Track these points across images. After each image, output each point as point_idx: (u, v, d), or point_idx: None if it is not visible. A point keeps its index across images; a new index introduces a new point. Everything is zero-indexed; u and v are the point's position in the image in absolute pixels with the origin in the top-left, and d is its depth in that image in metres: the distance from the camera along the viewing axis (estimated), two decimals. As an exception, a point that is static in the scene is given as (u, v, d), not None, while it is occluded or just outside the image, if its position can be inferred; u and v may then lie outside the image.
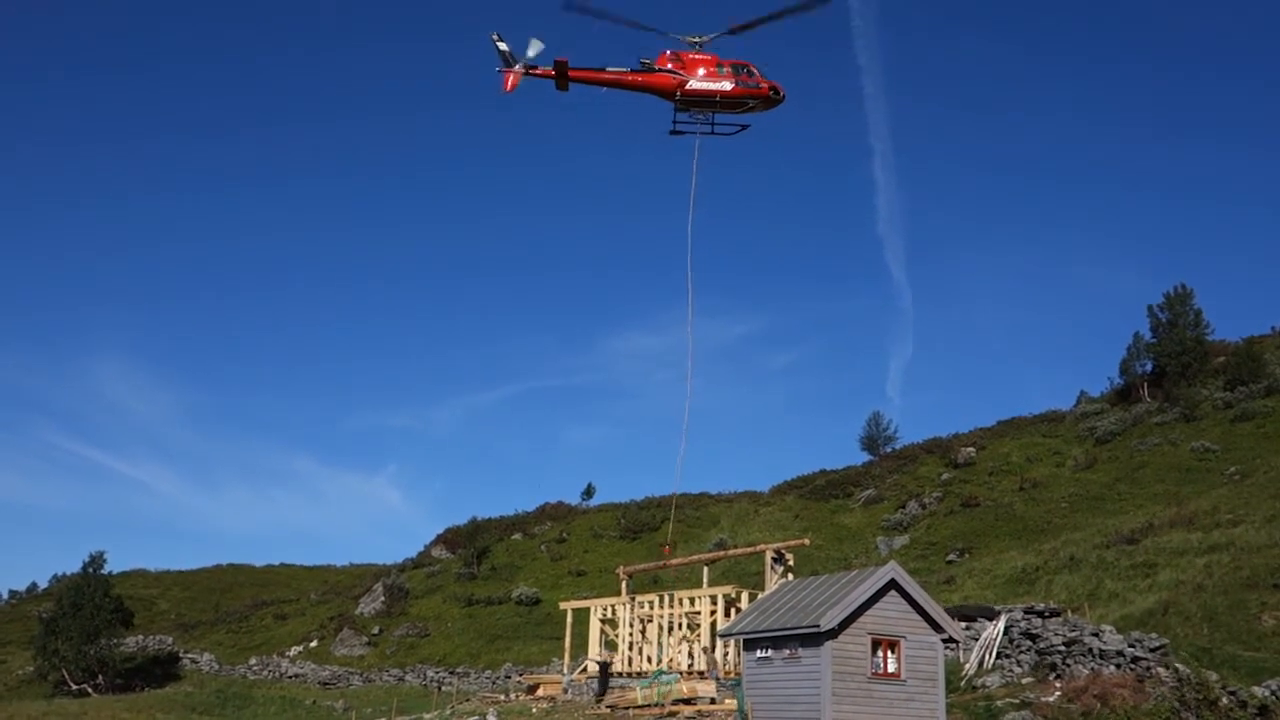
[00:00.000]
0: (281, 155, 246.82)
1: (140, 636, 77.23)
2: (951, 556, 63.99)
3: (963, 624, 32.46)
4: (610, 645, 35.86)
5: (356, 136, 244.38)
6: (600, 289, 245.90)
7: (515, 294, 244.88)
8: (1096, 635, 29.37)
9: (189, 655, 74.56)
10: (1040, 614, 32.46)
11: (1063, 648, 29.69)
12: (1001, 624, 32.16)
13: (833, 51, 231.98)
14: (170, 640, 78.70)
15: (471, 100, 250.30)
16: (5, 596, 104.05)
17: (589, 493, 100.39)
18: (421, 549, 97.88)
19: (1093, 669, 28.21)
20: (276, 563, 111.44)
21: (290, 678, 69.85)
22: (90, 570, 69.62)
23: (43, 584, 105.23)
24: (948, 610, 25.52)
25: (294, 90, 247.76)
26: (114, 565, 77.68)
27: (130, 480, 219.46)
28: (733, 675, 28.67)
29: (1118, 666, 27.93)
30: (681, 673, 31.09)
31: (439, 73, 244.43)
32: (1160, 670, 27.35)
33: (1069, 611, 35.27)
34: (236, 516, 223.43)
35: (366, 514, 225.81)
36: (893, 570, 23.46)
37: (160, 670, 71.76)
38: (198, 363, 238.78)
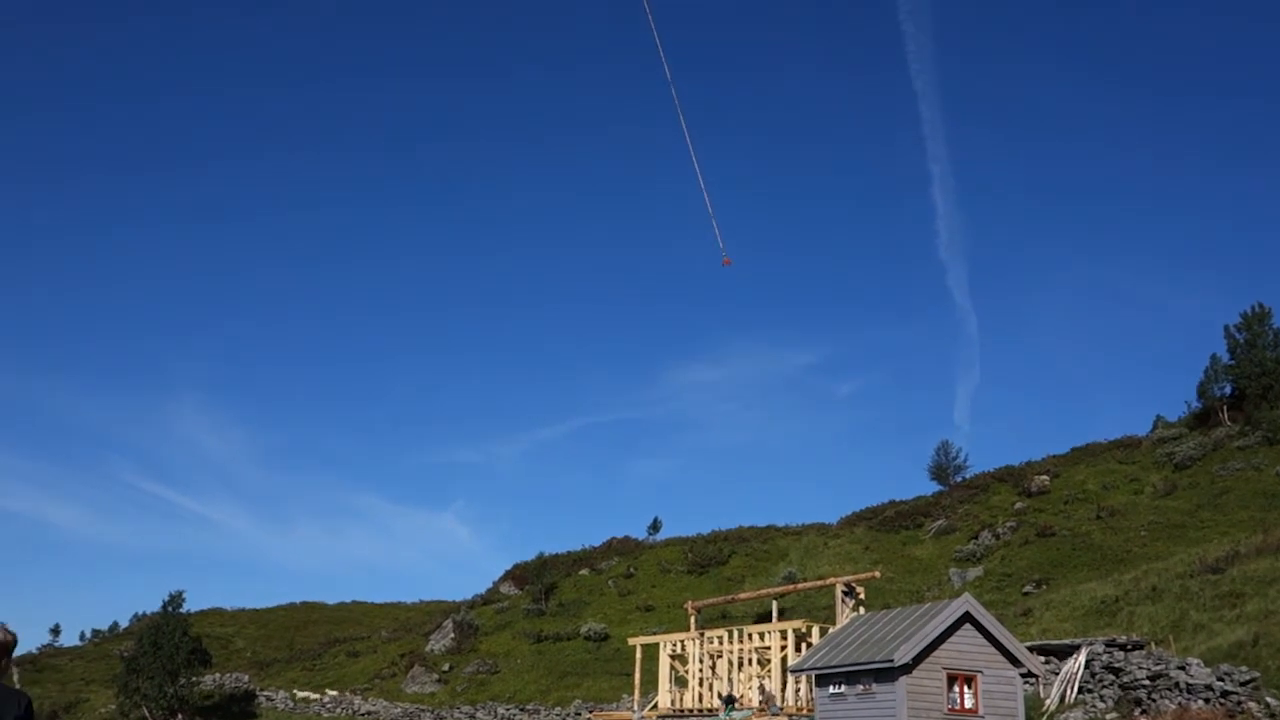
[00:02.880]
0: (337, 188, 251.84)
1: (218, 675, 78.43)
2: (1028, 588, 62.54)
3: (1042, 658, 31.65)
4: (680, 681, 35.55)
5: (410, 169, 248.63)
6: (658, 321, 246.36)
7: (575, 328, 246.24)
8: (1183, 669, 28.46)
9: (265, 693, 75.47)
10: (1123, 647, 31.55)
11: (1147, 682, 28.81)
12: (1082, 657, 31.30)
13: (887, 76, 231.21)
14: (246, 678, 79.77)
15: (522, 131, 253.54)
16: (89, 635, 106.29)
17: (655, 527, 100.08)
18: (490, 585, 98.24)
19: (1180, 704, 27.32)
20: (348, 600, 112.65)
21: (363, 715, 70.32)
22: (169, 609, 70.93)
23: (124, 623, 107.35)
24: (1026, 644, 24.92)
25: (352, 119, 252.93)
26: (192, 604, 79.13)
27: (205, 519, 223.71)
28: (804, 712, 28.24)
29: (1206, 701, 27.02)
30: (753, 709, 30.71)
31: (488, 104, 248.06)
32: (1251, 704, 26.40)
33: (1153, 644, 34.22)
34: (307, 554, 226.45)
35: (435, 550, 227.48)
36: (967, 603, 23.00)
37: (237, 708, 72.73)
38: (268, 401, 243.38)
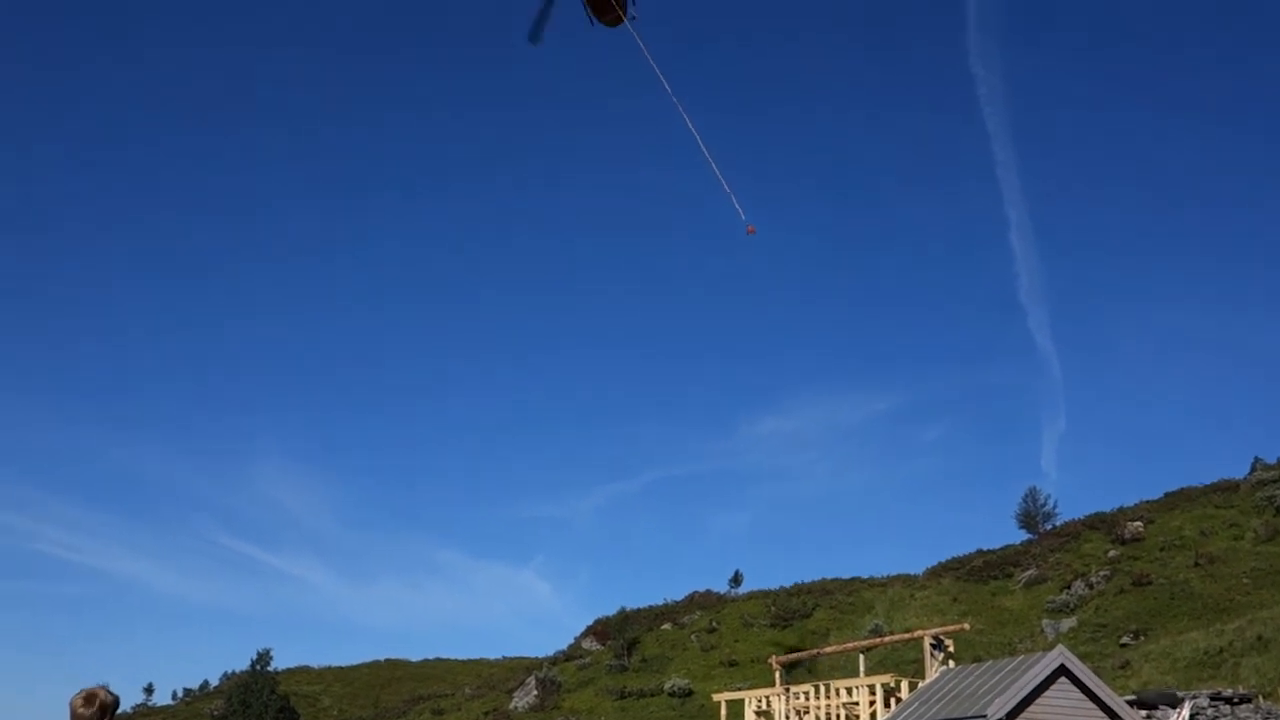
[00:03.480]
0: (408, 237, 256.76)
1: (305, 733, 79.13)
2: (1125, 639, 60.42)
3: (1143, 712, 30.49)
4: (767, 738, 34.95)
5: (473, 220, 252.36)
6: (732, 372, 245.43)
7: (646, 379, 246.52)
8: (1294, 723, 27.21)
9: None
10: (1229, 700, 30.30)
11: (1257, 737, 27.59)
12: (1186, 711, 30.12)
13: (958, 119, 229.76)
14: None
15: (601, 185, 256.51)
16: (180, 694, 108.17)
17: (737, 580, 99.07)
18: (572, 641, 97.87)
19: (1293, 760, 26.08)
20: (431, 657, 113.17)
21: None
22: (258, 668, 71.99)
23: (214, 681, 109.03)
24: (1125, 698, 24.08)
25: (422, 166, 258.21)
26: (279, 662, 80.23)
27: (289, 576, 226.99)
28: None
29: (1321, 757, 25.76)
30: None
31: (571, 143, 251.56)
32: (1371, 761, 25.09)
33: (1260, 697, 32.79)
34: (390, 610, 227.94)
35: (517, 606, 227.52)
36: (1061, 655, 22.33)
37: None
38: (348, 458, 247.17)
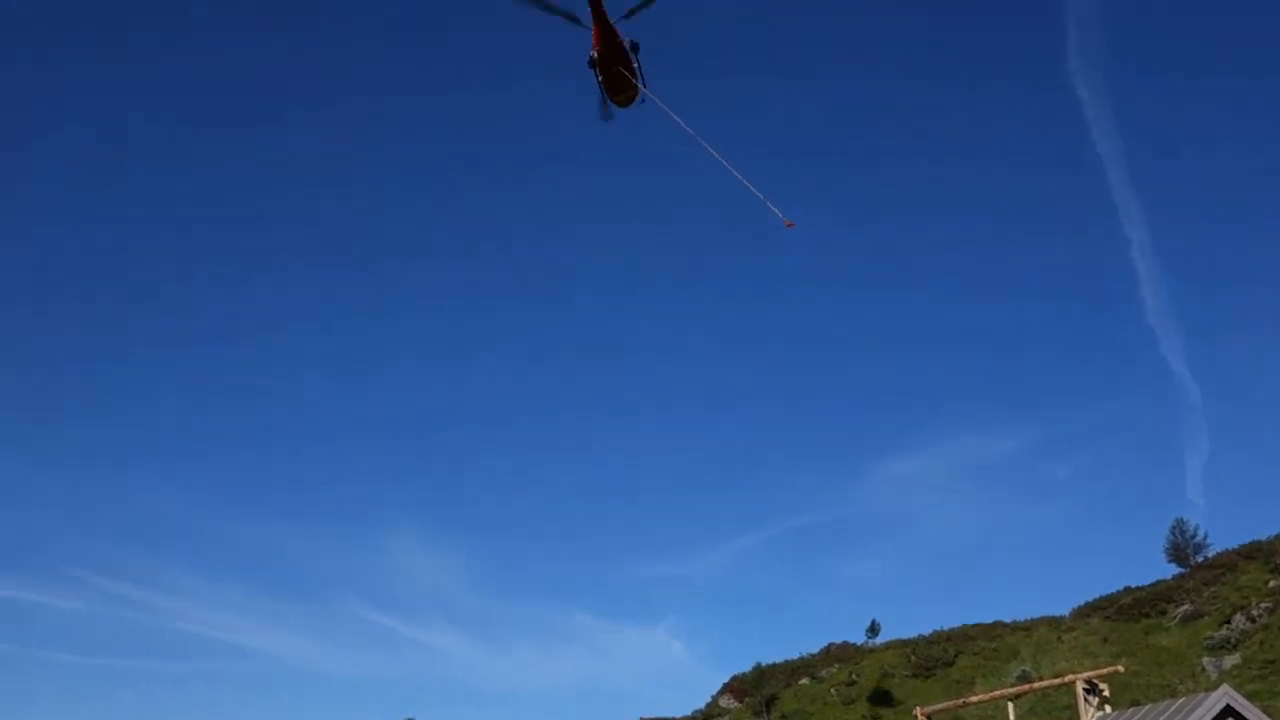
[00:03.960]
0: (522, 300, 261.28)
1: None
2: (1295, 675, 57.03)
3: (1322, 753, 28.70)
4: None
5: (604, 280, 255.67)
6: (854, 415, 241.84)
7: (765, 430, 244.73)
8: None
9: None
10: None
11: None
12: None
13: (1069, 146, 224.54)
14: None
15: (711, 237, 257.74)
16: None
17: (874, 630, 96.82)
18: (709, 700, 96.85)
19: None
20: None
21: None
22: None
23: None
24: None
25: (521, 232, 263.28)
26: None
27: (428, 646, 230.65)
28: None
29: None
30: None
31: (664, 203, 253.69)
32: None
33: None
34: (527, 676, 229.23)
35: (651, 666, 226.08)
36: (1226, 695, 21.27)
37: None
38: (478, 528, 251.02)
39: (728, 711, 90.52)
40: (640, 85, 24.47)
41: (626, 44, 25.42)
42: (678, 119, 25.45)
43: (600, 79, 25.57)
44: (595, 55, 25.41)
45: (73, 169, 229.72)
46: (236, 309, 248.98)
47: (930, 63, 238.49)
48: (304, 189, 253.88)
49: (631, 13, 24.15)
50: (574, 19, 24.04)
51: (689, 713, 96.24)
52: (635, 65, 25.46)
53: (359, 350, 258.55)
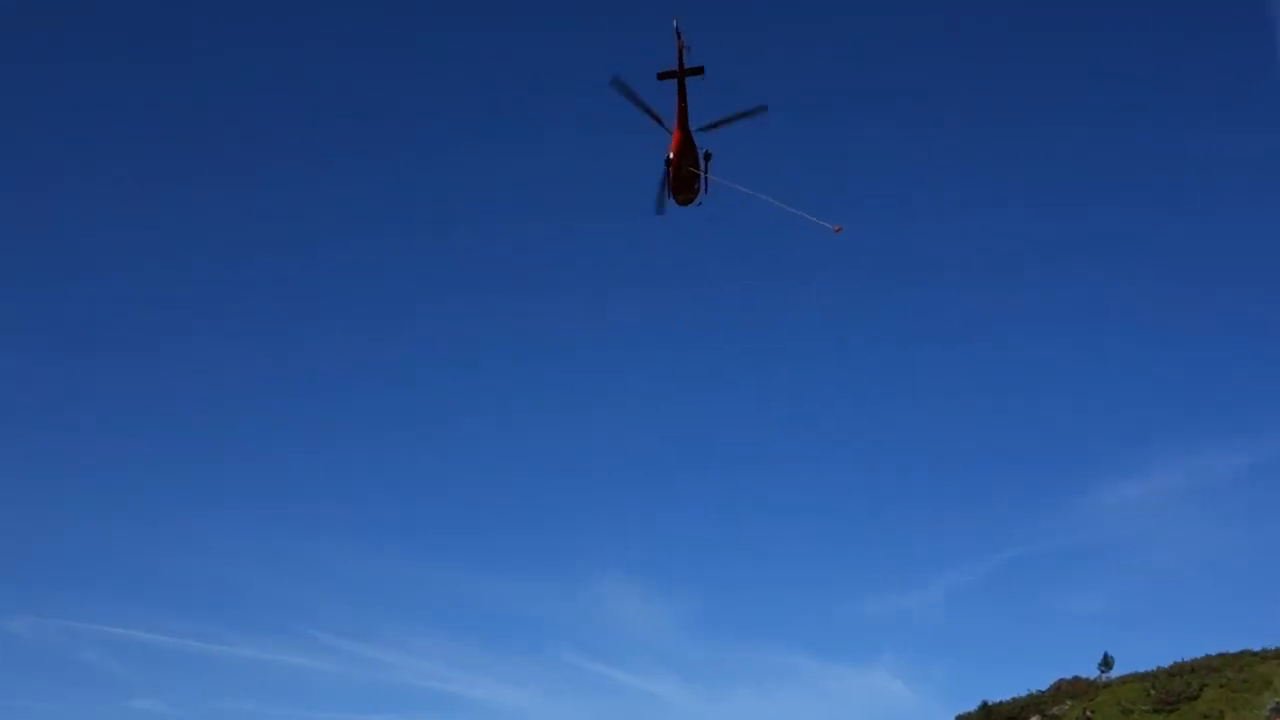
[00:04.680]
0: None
1: None
2: None
3: None
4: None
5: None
6: (1068, 439, 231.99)
7: (983, 460, 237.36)
8: None
9: None
10: None
11: None
12: None
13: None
14: None
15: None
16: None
17: (1107, 664, 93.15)
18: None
19: None
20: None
21: None
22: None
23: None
24: None
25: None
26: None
27: (645, 694, 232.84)
28: None
29: None
30: None
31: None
32: None
33: None
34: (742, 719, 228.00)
35: (872, 707, 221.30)
36: None
37: None
38: (686, 574, 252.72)
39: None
40: (702, 191, 27.14)
41: (702, 154, 27.48)
42: (748, 190, 27.25)
43: (670, 176, 27.72)
44: (671, 156, 27.80)
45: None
46: (460, 387, 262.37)
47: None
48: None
49: (710, 127, 26.78)
50: (660, 121, 26.61)
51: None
52: (704, 173, 27.49)
53: (568, 400, 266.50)
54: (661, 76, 24.91)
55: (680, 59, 23.89)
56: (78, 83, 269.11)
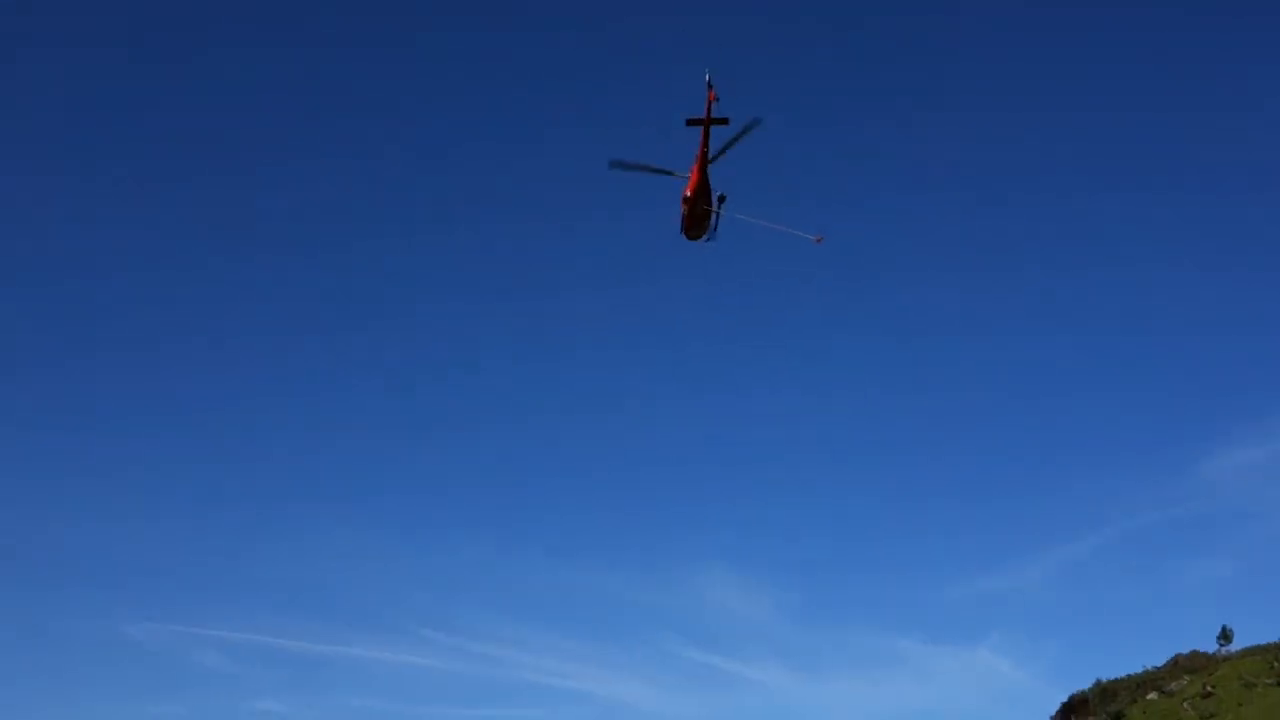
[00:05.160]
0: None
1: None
2: None
3: None
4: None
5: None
6: (1185, 404, 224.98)
7: (1082, 428, 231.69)
8: None
9: None
10: None
11: None
12: None
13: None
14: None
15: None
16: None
17: (1226, 636, 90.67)
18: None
19: None
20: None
21: None
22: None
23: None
24: None
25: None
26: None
27: (748, 681, 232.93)
28: None
29: None
30: None
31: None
32: None
33: None
34: (851, 706, 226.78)
35: (979, 688, 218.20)
36: None
37: None
38: (788, 561, 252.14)
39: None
40: (714, 228, 28.87)
41: (716, 196, 28.56)
42: (762, 222, 28.53)
43: (685, 214, 29.09)
44: (689, 194, 29.26)
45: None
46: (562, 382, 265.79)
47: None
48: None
49: (718, 156, 27.53)
50: (669, 173, 27.98)
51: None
52: (717, 212, 28.53)
53: (669, 390, 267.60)
54: (690, 123, 26.69)
55: (708, 109, 25.39)
56: (79, 81, 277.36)
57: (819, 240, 29.90)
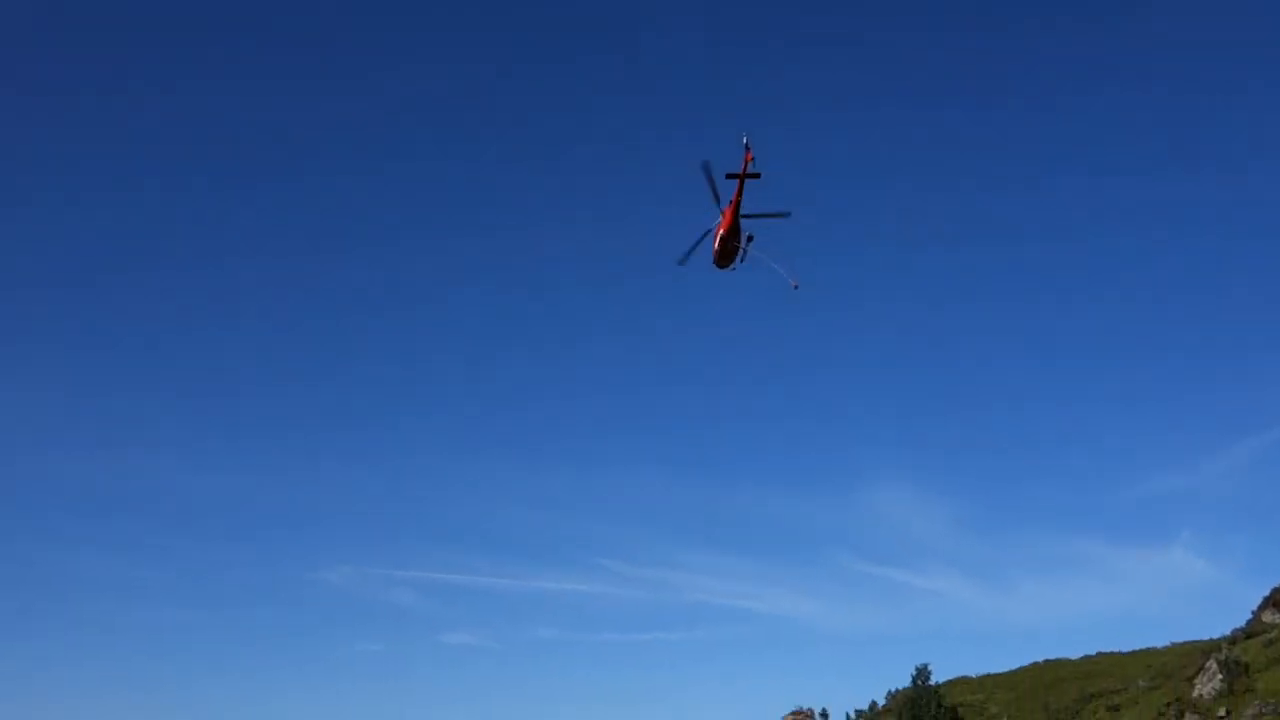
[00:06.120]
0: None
1: (980, 742, 79.22)
2: None
3: None
4: None
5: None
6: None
7: (1258, 316, 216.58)
8: None
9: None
10: None
11: None
12: None
13: None
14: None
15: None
16: (852, 716, 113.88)
17: None
18: (1249, 616, 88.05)
19: None
20: (1092, 652, 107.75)
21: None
22: (919, 683, 73.85)
23: (880, 701, 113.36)
24: None
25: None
26: (937, 675, 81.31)
27: (926, 591, 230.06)
28: None
29: None
30: None
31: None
32: None
33: None
34: (1036, 611, 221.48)
35: (1171, 587, 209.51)
36: None
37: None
38: (959, 474, 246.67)
39: (1274, 627, 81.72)
40: (739, 261, 34.43)
41: (745, 235, 34.32)
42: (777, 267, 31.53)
43: (716, 246, 34.60)
44: (722, 232, 34.19)
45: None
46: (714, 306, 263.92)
47: None
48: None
49: (747, 215, 33.48)
50: (717, 201, 33.43)
51: (1229, 632, 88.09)
52: (744, 249, 34.36)
53: (823, 302, 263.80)
54: (729, 176, 32.72)
55: (744, 165, 31.63)
56: (87, 78, 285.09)
57: (795, 286, 34.75)
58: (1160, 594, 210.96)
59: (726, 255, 35.87)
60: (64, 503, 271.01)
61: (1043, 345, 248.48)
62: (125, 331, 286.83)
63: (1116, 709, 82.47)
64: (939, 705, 70.80)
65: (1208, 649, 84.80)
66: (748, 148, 33.34)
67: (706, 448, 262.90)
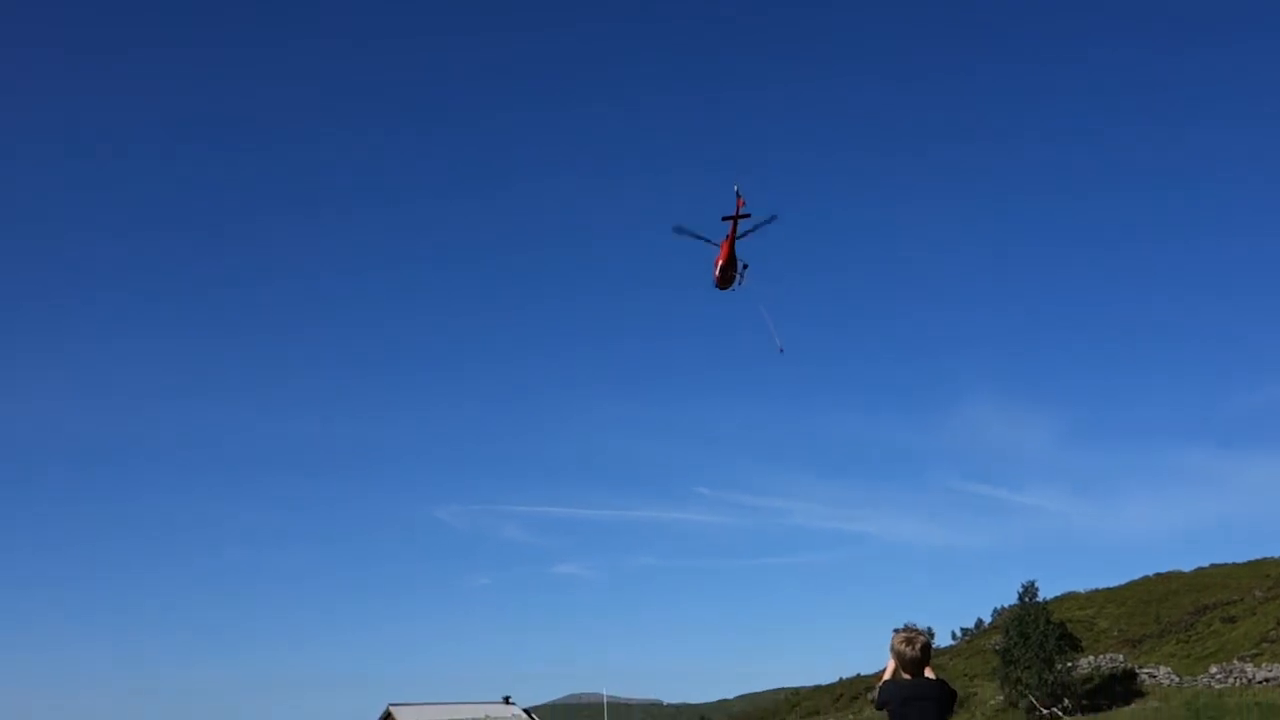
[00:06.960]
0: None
1: (1091, 657, 78.54)
2: None
3: None
4: None
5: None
6: None
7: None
8: None
9: (1145, 670, 73.70)
10: None
11: None
12: None
13: None
14: (1121, 658, 78.73)
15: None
16: (959, 635, 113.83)
17: None
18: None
19: None
20: (1205, 564, 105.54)
21: (1260, 683, 65.10)
22: (1026, 600, 73.22)
23: (986, 619, 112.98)
24: None
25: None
26: (1045, 591, 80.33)
27: (1030, 508, 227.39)
28: None
29: None
30: None
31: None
32: None
33: None
34: (1144, 523, 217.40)
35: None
36: None
37: (1120, 688, 72.06)
38: (1060, 386, 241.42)
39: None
40: (738, 284, 37.27)
41: (740, 264, 37.66)
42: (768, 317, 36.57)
43: (716, 274, 37.49)
44: (720, 263, 37.39)
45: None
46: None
47: None
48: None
49: (740, 236, 36.54)
50: (709, 241, 37.15)
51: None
52: (740, 277, 37.61)
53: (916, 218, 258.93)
54: (724, 219, 36.34)
55: (737, 209, 35.51)
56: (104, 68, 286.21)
57: (781, 350, 38.05)
58: (1276, 502, 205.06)
59: (725, 282, 39.08)
60: (190, 450, 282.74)
61: (1146, 247, 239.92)
62: (243, 279, 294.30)
63: (1232, 620, 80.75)
64: (1047, 621, 70.17)
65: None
66: (739, 196, 36.58)
67: (798, 375, 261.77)
